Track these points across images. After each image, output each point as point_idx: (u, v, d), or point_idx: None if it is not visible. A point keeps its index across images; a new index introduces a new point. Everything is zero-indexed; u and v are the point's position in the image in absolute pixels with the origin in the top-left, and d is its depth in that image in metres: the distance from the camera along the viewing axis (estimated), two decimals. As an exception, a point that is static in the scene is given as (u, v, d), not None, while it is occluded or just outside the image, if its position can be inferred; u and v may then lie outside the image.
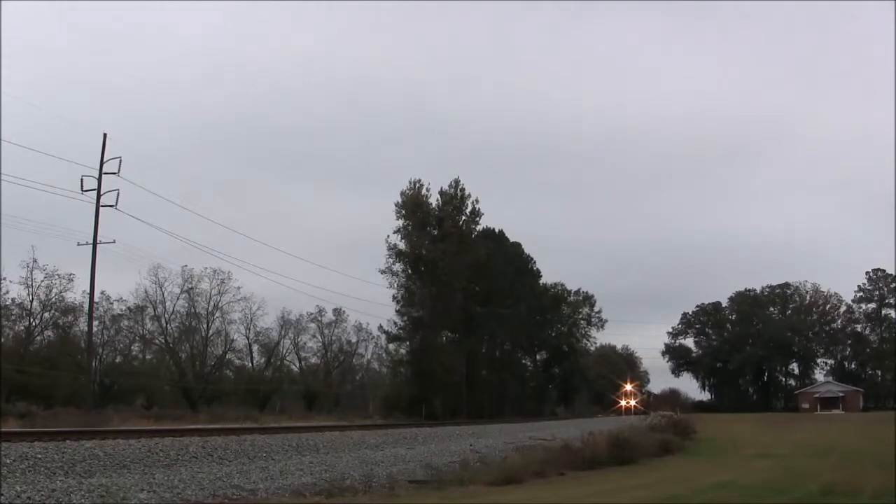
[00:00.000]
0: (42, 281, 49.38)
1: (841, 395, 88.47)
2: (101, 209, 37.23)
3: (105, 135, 38.04)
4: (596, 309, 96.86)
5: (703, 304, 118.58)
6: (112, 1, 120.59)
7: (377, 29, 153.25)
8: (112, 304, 56.10)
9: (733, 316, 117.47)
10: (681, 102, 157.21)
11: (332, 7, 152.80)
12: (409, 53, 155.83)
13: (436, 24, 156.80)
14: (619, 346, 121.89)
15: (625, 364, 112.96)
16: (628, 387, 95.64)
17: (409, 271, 59.65)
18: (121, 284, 75.19)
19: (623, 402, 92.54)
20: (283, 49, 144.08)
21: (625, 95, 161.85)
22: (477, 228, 63.46)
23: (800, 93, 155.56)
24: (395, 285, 59.36)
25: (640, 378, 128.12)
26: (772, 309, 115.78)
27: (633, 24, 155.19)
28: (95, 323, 46.33)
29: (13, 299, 48.92)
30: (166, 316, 60.79)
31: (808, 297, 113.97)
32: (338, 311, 73.55)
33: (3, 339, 48.11)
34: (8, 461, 11.54)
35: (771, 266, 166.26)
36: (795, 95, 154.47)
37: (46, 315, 50.83)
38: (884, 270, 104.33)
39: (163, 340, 61.52)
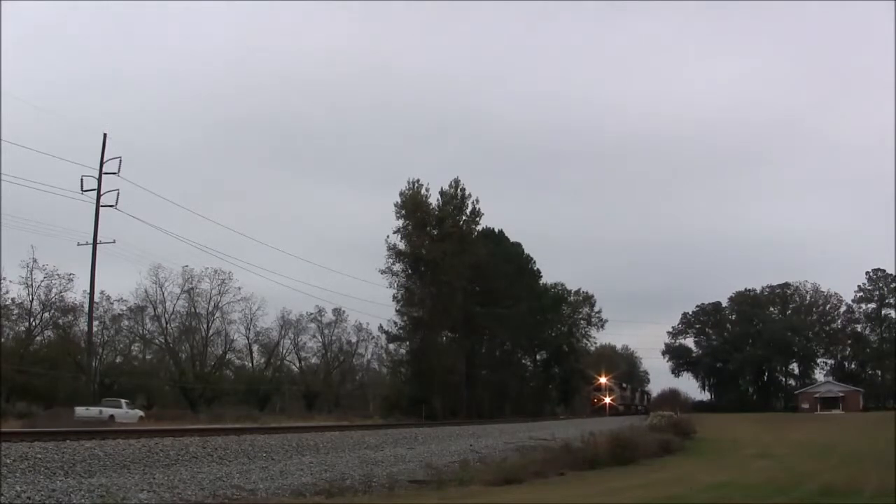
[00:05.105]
0: (42, 281, 49.50)
1: (841, 395, 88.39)
2: (101, 209, 37.30)
3: (105, 135, 38.13)
4: (596, 309, 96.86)
5: (703, 304, 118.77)
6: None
7: (378, 29, 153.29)
8: (112, 304, 56.19)
9: (733, 316, 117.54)
10: (681, 104, 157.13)
11: (332, 7, 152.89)
12: (411, 54, 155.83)
13: (442, 25, 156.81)
14: (619, 346, 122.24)
15: (625, 364, 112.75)
16: (603, 380, 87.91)
17: (409, 271, 59.63)
18: (121, 284, 75.04)
19: (596, 399, 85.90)
20: (286, 48, 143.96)
21: (628, 97, 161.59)
22: (477, 228, 63.51)
23: (801, 95, 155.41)
24: (395, 285, 59.42)
25: (640, 378, 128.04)
26: (772, 309, 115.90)
27: (640, 27, 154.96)
28: (95, 323, 46.38)
29: (13, 299, 49.04)
30: (166, 316, 60.87)
31: (808, 297, 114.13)
32: (338, 311, 73.56)
33: (3, 339, 48.13)
34: (8, 461, 11.53)
35: (771, 266, 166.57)
36: (797, 97, 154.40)
37: (46, 315, 50.89)
38: (884, 270, 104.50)
39: (163, 340, 61.54)
